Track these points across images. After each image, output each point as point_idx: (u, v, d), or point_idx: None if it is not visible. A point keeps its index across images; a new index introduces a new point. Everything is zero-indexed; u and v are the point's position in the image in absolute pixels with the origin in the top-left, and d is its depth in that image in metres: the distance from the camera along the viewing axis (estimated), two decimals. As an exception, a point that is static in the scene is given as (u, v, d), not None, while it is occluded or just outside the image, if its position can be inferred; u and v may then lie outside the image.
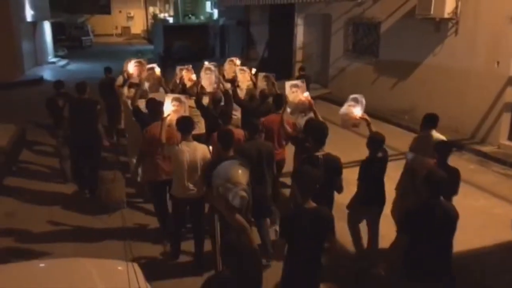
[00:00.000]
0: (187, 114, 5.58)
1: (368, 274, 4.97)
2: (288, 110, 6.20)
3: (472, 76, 9.72)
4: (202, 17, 32.13)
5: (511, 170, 8.32)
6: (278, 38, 19.27)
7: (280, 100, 6.20)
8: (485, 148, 9.19)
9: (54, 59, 25.14)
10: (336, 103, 13.83)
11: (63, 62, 25.05)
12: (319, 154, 4.52)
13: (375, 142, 4.88)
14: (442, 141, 4.94)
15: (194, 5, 34.89)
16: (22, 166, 8.77)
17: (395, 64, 12.12)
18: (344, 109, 5.73)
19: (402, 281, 3.78)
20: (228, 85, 7.74)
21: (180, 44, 23.78)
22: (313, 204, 3.60)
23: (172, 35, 25.07)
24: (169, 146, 5.01)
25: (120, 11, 55.66)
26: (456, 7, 9.77)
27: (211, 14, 29.81)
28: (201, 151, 4.91)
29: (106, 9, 55.54)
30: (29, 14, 21.07)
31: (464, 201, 7.05)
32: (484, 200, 7.10)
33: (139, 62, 7.50)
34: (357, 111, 5.59)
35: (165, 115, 5.41)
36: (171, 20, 36.78)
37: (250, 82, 7.79)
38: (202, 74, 7.41)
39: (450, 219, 3.68)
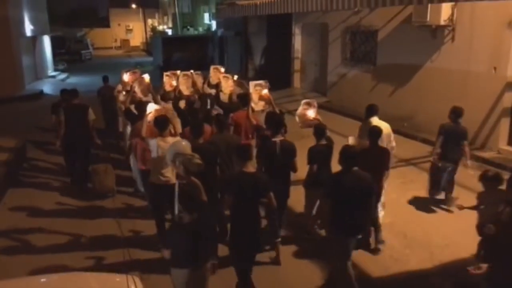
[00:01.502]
0: (168, 114, 6.31)
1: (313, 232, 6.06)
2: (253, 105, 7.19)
3: (469, 82, 9.75)
4: (200, 29, 32.35)
5: (511, 175, 8.31)
6: (276, 48, 19.36)
7: (245, 98, 7.06)
8: (485, 154, 9.18)
9: (54, 73, 25.26)
10: (335, 111, 13.89)
11: (63, 75, 25.18)
12: (276, 139, 5.51)
13: (319, 131, 5.85)
14: (373, 126, 5.77)
15: (193, 17, 35.16)
16: (22, 180, 8.77)
17: (393, 71, 12.16)
18: (299, 111, 6.87)
19: (331, 235, 4.86)
20: (213, 90, 8.67)
21: (179, 55, 23.92)
22: (252, 170, 4.62)
23: (171, 47, 25.23)
24: (147, 138, 5.75)
25: (119, 24, 56.08)
26: (452, 14, 9.83)
27: (210, 26, 30.00)
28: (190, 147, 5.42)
29: (105, 23, 56.08)
30: (28, 29, 21.21)
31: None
32: (485, 206, 7.07)
33: (133, 72, 8.74)
34: (311, 113, 6.74)
35: (147, 112, 6.30)
36: (169, 32, 37.06)
37: (232, 88, 8.52)
38: (180, 79, 8.59)
39: (364, 186, 4.53)
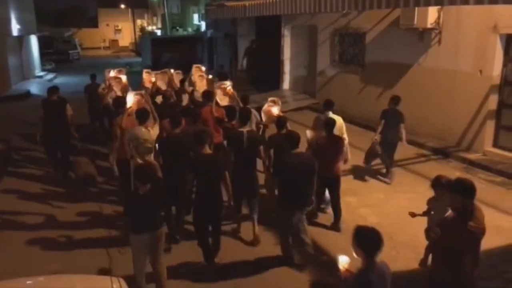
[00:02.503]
0: (146, 106, 7.05)
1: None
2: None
3: (456, 84, 9.86)
4: (189, 30, 32.28)
5: (496, 177, 8.41)
6: (265, 50, 19.40)
7: (209, 95, 7.87)
8: (471, 156, 9.30)
9: (41, 73, 25.04)
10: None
11: (50, 76, 24.96)
12: (244, 130, 6.15)
13: (279, 123, 6.60)
14: (329, 117, 6.63)
15: (182, 18, 35.07)
16: (8, 183, 8.66)
17: (380, 73, 12.26)
18: (265, 108, 7.70)
19: (279, 207, 5.58)
20: (190, 88, 9.43)
21: (168, 56, 23.85)
22: (209, 151, 5.51)
23: (160, 48, 25.15)
24: (127, 130, 6.41)
25: (107, 24, 55.80)
26: (439, 17, 9.94)
27: (199, 26, 29.96)
28: (154, 134, 6.49)
29: (93, 23, 55.73)
30: (15, 28, 20.99)
31: (451, 208, 7.13)
32: (470, 207, 7.15)
33: (119, 70, 9.85)
34: (275, 110, 7.55)
35: (127, 106, 7.17)
36: (159, 32, 36.92)
37: (206, 87, 9.22)
38: (158, 76, 9.60)
39: (307, 166, 5.37)
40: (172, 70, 10.44)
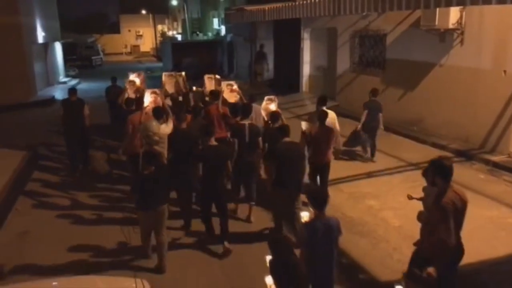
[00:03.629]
0: (161, 104, 7.87)
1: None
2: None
3: (479, 85, 9.70)
4: (209, 34, 32.51)
5: (522, 179, 8.25)
6: (285, 53, 19.41)
7: (215, 94, 8.68)
8: (495, 158, 9.11)
9: (65, 79, 25.55)
10: (344, 115, 13.84)
11: (74, 81, 25.44)
12: (245, 123, 6.96)
13: (273, 117, 7.26)
14: (321, 110, 7.36)
15: (202, 22, 35.35)
16: (34, 186, 8.89)
17: (401, 75, 12.14)
18: (263, 105, 8.59)
19: (273, 190, 6.14)
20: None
21: (188, 61, 24.06)
22: (214, 143, 6.10)
23: (180, 52, 25.38)
24: (143, 124, 7.08)
25: (129, 30, 56.65)
26: (461, 18, 9.80)
27: (219, 31, 30.15)
28: (168, 130, 6.97)
29: (115, 28, 56.70)
30: (40, 36, 21.51)
31: (475, 211, 6.99)
32: (495, 210, 7.03)
33: (139, 74, 10.80)
34: (272, 107, 8.42)
35: (145, 105, 8.17)
36: (179, 37, 37.26)
37: (214, 87, 10.01)
38: (165, 79, 10.38)
39: (295, 153, 6.09)
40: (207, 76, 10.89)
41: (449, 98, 10.49)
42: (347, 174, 8.71)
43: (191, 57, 24.55)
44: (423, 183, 8.25)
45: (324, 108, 7.70)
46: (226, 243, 6.02)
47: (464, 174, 8.66)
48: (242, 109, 7.33)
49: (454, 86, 10.34)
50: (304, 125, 7.58)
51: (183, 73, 10.87)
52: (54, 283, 3.88)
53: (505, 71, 9.08)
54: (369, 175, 8.80)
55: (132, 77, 10.46)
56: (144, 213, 5.59)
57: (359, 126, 9.45)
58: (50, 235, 6.74)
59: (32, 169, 9.69)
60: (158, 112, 7.08)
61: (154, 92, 8.51)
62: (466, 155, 9.58)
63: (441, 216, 4.13)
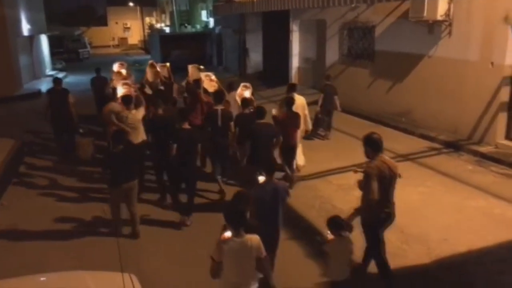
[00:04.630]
0: (132, 94, 8.23)
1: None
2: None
3: (467, 77, 9.76)
4: (198, 26, 32.29)
5: (509, 170, 8.32)
6: (274, 45, 19.35)
7: (197, 83, 9.10)
8: (483, 148, 9.20)
9: (52, 72, 25.21)
10: (333, 107, 13.88)
11: (61, 74, 25.07)
12: (218, 108, 7.56)
13: (244, 102, 7.67)
14: (288, 96, 7.93)
15: (190, 15, 35.10)
16: (21, 179, 8.82)
17: (390, 67, 12.17)
18: (238, 92, 8.90)
19: (247, 166, 6.70)
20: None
21: (177, 53, 23.91)
22: (188, 127, 6.64)
23: (169, 45, 25.20)
24: (118, 113, 7.57)
25: (116, 23, 56.02)
26: (449, 9, 9.83)
27: (207, 23, 29.95)
28: (139, 115, 7.58)
29: (102, 21, 56.04)
30: (25, 28, 21.18)
31: (463, 201, 7.10)
32: (483, 201, 7.10)
33: (121, 64, 11.12)
34: (247, 94, 8.74)
35: (118, 96, 8.54)
36: (167, 30, 36.95)
37: (197, 76, 10.22)
38: (147, 69, 10.56)
39: (268, 134, 6.74)
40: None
41: (437, 89, 10.54)
42: (336, 166, 8.73)
43: (179, 49, 24.40)
44: (411, 174, 8.35)
45: (295, 94, 8.35)
46: (187, 217, 6.68)
47: (452, 165, 8.74)
48: (216, 95, 8.00)
49: (442, 77, 10.39)
50: (273, 110, 8.14)
51: (168, 64, 11.21)
52: (42, 279, 3.85)
53: (492, 63, 9.14)
54: (358, 167, 8.82)
55: (116, 67, 10.91)
56: (114, 188, 6.11)
57: (318, 110, 10.53)
58: (39, 222, 6.78)
59: (21, 158, 9.74)
60: (127, 100, 7.68)
61: (126, 84, 9.02)
62: (454, 146, 9.66)
63: (366, 180, 4.66)
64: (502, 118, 9.16)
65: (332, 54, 14.85)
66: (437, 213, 6.75)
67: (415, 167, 8.79)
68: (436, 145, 9.94)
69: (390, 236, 6.08)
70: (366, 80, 13.13)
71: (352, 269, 4.63)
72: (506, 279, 5.09)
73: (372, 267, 5.11)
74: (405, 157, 9.23)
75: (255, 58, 21.38)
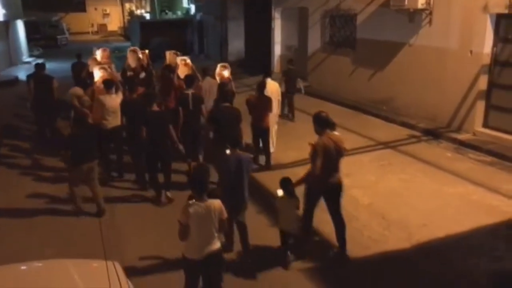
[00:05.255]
0: (110, 77, 8.58)
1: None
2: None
3: (447, 65, 9.88)
4: (179, 13, 31.89)
5: (486, 157, 8.50)
6: (256, 33, 19.24)
7: (170, 68, 9.46)
8: (461, 136, 9.37)
9: (29, 59, 24.67)
10: (315, 96, 13.92)
11: (38, 61, 24.58)
12: (189, 92, 7.81)
13: (221, 84, 8.42)
14: (261, 81, 8.47)
15: (171, 1, 34.61)
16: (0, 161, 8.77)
17: (371, 55, 12.24)
18: (217, 71, 9.42)
19: (215, 148, 7.05)
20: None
21: (157, 40, 23.56)
22: (157, 108, 7.04)
23: (149, 32, 24.83)
24: (97, 97, 7.90)
25: (95, 9, 54.86)
26: (430, -2, 9.91)
27: (188, 10, 29.59)
28: (116, 100, 7.81)
29: (81, 7, 54.68)
30: (0, 13, 20.60)
31: (442, 188, 7.23)
32: (461, 187, 7.25)
33: (104, 49, 11.35)
34: (226, 73, 9.38)
35: (95, 80, 8.95)
36: (147, 16, 36.41)
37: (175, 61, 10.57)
38: (128, 54, 10.81)
39: (234, 114, 7.11)
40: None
41: (418, 77, 10.66)
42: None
43: (160, 36, 24.04)
44: (392, 162, 8.49)
45: (269, 80, 8.81)
46: (168, 193, 7.05)
47: (431, 153, 8.88)
48: (186, 79, 8.19)
49: (422, 66, 10.50)
50: (248, 97, 8.56)
51: (147, 51, 11.61)
52: (23, 268, 3.80)
53: (471, 51, 9.26)
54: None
55: (98, 52, 11.18)
56: (74, 168, 6.46)
57: (282, 91, 10.64)
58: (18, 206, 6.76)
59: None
60: (108, 84, 7.91)
61: (103, 68, 9.20)
62: (434, 134, 9.81)
63: (313, 153, 5.20)
64: (480, 106, 9.32)
65: (314, 42, 14.85)
66: (417, 200, 6.87)
67: (396, 154, 8.91)
68: (416, 133, 10.08)
69: (371, 222, 6.19)
70: (348, 68, 13.18)
71: (300, 224, 5.35)
72: (482, 264, 5.23)
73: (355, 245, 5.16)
74: (386, 145, 9.34)
75: (237, 45, 21.24)
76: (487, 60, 9.07)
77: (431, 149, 9.14)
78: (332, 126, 5.30)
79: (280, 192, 5.31)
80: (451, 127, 9.85)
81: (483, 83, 9.19)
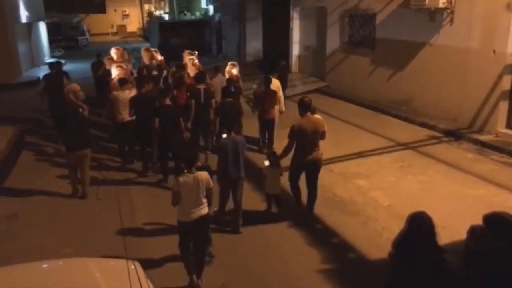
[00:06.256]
0: (127, 76, 9.41)
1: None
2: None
3: (468, 65, 9.72)
4: (197, 13, 32.03)
5: (509, 158, 8.33)
6: (274, 33, 19.22)
7: (181, 66, 10.12)
8: (483, 137, 9.19)
9: (50, 60, 25.05)
10: (334, 96, 13.87)
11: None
12: (200, 86, 8.55)
13: (229, 81, 9.10)
14: (266, 76, 9.20)
15: (189, 2, 34.79)
16: (22, 167, 8.82)
17: (391, 55, 12.11)
18: (227, 69, 9.93)
19: (217, 138, 7.95)
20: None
21: (176, 41, 23.70)
22: (169, 103, 7.69)
23: (168, 32, 24.98)
24: (112, 93, 8.58)
25: (115, 10, 55.47)
26: (451, -4, 9.76)
27: (207, 10, 29.70)
28: (129, 95, 8.35)
29: (101, 8, 55.46)
30: (23, 15, 21.00)
31: (463, 190, 7.12)
32: (483, 189, 7.12)
33: (117, 48, 11.68)
34: (234, 71, 9.84)
35: (112, 77, 9.55)
36: (166, 17, 36.67)
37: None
38: (142, 53, 11.47)
39: (235, 108, 8.28)
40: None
41: (438, 78, 10.51)
42: (338, 155, 8.74)
43: (178, 37, 24.15)
44: (412, 163, 8.39)
45: (272, 77, 9.44)
46: (166, 178, 7.67)
47: (452, 154, 8.75)
48: (196, 77, 8.98)
49: (443, 66, 10.35)
50: (254, 87, 9.43)
51: (157, 50, 12.36)
52: (44, 266, 3.86)
53: (494, 51, 9.09)
54: (359, 155, 8.84)
55: (112, 52, 11.57)
56: (69, 155, 7.26)
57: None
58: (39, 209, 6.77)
59: (19, 150, 9.69)
60: (122, 81, 8.63)
61: (120, 66, 9.65)
62: (455, 135, 9.66)
63: (290, 133, 6.18)
64: (503, 106, 9.13)
65: (333, 42, 14.76)
66: (437, 202, 6.77)
67: (416, 155, 8.80)
68: (437, 134, 9.94)
69: (391, 224, 6.13)
70: (366, 68, 13.07)
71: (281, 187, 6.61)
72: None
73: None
74: (406, 146, 9.23)
75: (255, 46, 21.25)
76: (510, 60, 8.88)
77: (452, 150, 9.00)
78: (312, 110, 6.35)
79: (266, 163, 6.56)
80: (473, 128, 9.69)
81: (506, 83, 9.00)
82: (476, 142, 9.14)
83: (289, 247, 5.77)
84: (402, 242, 3.43)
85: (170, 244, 5.47)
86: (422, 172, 7.87)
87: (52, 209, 6.99)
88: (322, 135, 6.27)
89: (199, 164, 5.65)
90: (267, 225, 6.33)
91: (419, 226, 3.38)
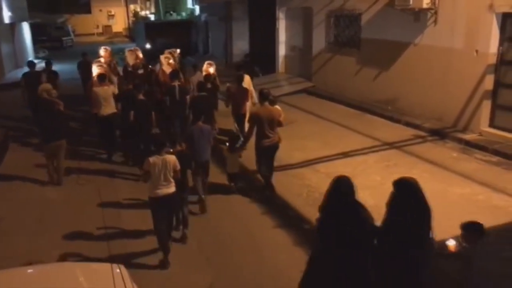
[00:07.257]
0: (106, 73, 9.87)
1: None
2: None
3: (452, 64, 9.83)
4: (183, 14, 31.91)
5: (493, 157, 8.45)
6: (260, 33, 19.22)
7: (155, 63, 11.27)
8: (468, 136, 9.31)
9: (35, 61, 24.73)
10: (320, 96, 13.92)
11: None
12: (175, 84, 9.24)
13: (206, 77, 9.68)
14: (239, 74, 9.78)
15: (175, 2, 34.63)
16: (6, 170, 8.71)
17: (376, 55, 12.20)
18: (204, 68, 10.36)
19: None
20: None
21: (162, 41, 23.57)
22: (142, 97, 8.32)
23: (154, 33, 24.86)
24: (92, 89, 9.14)
25: (100, 10, 54.97)
26: (435, -3, 9.86)
27: (193, 10, 29.61)
28: (108, 90, 9.10)
29: (86, 8, 54.91)
30: (6, 15, 20.71)
31: (448, 189, 7.19)
32: (467, 187, 7.21)
33: (105, 48, 12.30)
34: (211, 70, 10.32)
35: (93, 75, 9.88)
36: (152, 17, 36.46)
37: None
38: (127, 53, 12.10)
39: (208, 102, 8.83)
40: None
41: (423, 77, 10.61)
42: (324, 155, 8.78)
43: (164, 37, 24.03)
44: (398, 162, 8.46)
45: (244, 74, 9.98)
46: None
47: (437, 153, 8.84)
48: (171, 73, 9.56)
49: (428, 65, 10.45)
50: (227, 85, 10.08)
51: (139, 50, 12.72)
52: (29, 271, 3.82)
53: (477, 51, 9.21)
54: (345, 155, 8.89)
55: (101, 51, 12.11)
56: (46, 145, 7.89)
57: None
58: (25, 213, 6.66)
59: (3, 152, 9.62)
60: (101, 77, 9.21)
61: (100, 65, 10.19)
62: (440, 134, 9.77)
63: (249, 118, 7.26)
64: (486, 106, 9.26)
65: (319, 42, 14.82)
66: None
67: (401, 155, 8.87)
68: (422, 133, 10.03)
69: (377, 223, 6.16)
70: (352, 68, 13.15)
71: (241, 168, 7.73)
72: (490, 265, 5.19)
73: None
74: (391, 145, 9.30)
75: (242, 46, 21.22)
76: (493, 59, 9.02)
77: (437, 149, 9.10)
78: (270, 101, 7.22)
79: (226, 146, 7.58)
80: (457, 127, 9.80)
81: (489, 82, 9.13)
82: (461, 141, 9.25)
83: (277, 247, 5.78)
84: (327, 201, 4.06)
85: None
86: (408, 171, 7.92)
87: (39, 210, 6.92)
88: (279, 123, 7.10)
89: (179, 148, 6.15)
90: (255, 224, 6.34)
91: (339, 186, 4.04)
